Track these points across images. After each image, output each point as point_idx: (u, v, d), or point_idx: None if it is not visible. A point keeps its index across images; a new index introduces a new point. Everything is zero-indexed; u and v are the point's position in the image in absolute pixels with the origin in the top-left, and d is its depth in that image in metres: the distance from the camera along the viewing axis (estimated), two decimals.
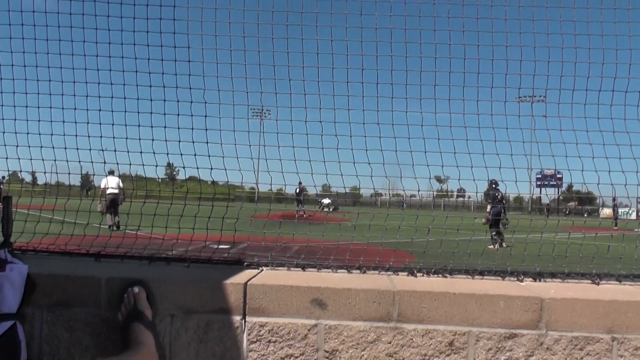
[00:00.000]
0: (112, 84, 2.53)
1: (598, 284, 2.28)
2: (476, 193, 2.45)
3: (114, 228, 13.64)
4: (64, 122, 2.48)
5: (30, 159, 2.48)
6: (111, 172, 12.05)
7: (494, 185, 12.78)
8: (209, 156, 2.33)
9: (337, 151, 2.26)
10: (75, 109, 2.51)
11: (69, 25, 2.54)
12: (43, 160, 2.48)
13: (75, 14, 2.54)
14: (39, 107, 2.50)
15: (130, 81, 2.51)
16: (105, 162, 2.43)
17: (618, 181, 2.48)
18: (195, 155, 2.34)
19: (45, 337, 2.02)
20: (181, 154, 2.34)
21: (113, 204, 14.94)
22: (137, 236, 2.50)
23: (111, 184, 14.94)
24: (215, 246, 2.45)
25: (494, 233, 12.26)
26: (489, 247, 11.48)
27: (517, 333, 1.95)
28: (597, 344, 1.95)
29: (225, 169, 2.36)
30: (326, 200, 25.56)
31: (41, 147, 2.44)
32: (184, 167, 2.36)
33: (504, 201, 13.31)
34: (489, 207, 13.42)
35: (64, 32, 2.53)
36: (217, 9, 2.44)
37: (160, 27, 2.50)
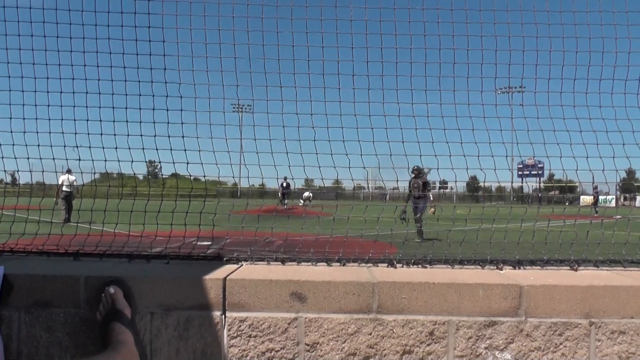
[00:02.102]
0: (86, 79, 2.48)
1: (576, 270, 2.31)
2: (455, 182, 2.45)
3: (66, 221, 14.11)
4: (37, 119, 2.43)
5: (2, 157, 2.43)
6: (68, 171, 13.62)
7: (418, 173, 11.59)
8: (184, 150, 2.31)
9: (314, 143, 2.26)
10: (48, 105, 2.46)
11: (41, 20, 2.48)
12: (16, 158, 2.43)
13: (47, 8, 2.49)
14: (10, 104, 2.45)
15: (105, 77, 2.48)
16: (80, 159, 2.39)
17: (598, 168, 2.52)
18: (171, 150, 2.32)
19: (23, 338, 1.99)
20: (157, 149, 2.32)
21: (67, 200, 15.96)
22: (116, 234, 2.47)
23: (66, 181, 15.99)
24: (197, 242, 2.43)
25: (419, 225, 11.00)
26: (417, 240, 9.83)
27: (497, 321, 1.97)
28: (575, 329, 1.97)
29: (202, 164, 2.34)
30: (306, 194, 25.61)
31: (13, 145, 2.39)
32: (159, 162, 2.33)
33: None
34: (431, 195, 12.35)
35: (36, 28, 2.48)
36: (192, 3, 2.41)
37: (135, 21, 2.46)
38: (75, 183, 16.02)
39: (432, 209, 11.87)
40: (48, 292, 2.01)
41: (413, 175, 12.04)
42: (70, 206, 15.92)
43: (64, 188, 15.87)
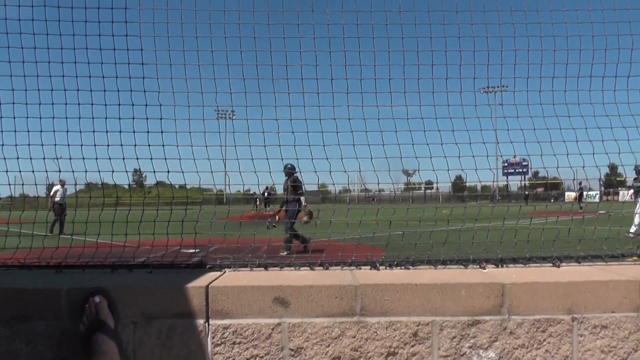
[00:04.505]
0: (65, 90, 2.47)
1: (559, 266, 2.33)
2: (437, 183, 2.46)
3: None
4: (15, 131, 2.41)
5: None
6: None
7: (289, 173, 9.17)
8: (165, 159, 2.30)
9: (295, 148, 2.26)
10: (27, 117, 2.44)
11: (18, 31, 2.47)
12: None
13: (24, 20, 2.48)
14: None
15: (84, 87, 2.47)
16: (60, 171, 2.37)
17: (582, 165, 2.54)
18: (151, 159, 2.31)
19: (4, 352, 1.96)
20: (137, 158, 2.31)
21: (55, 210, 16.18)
22: (98, 245, 2.45)
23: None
24: (181, 251, 2.42)
25: (288, 234, 8.77)
26: (282, 253, 7.60)
27: (480, 320, 1.98)
28: (558, 325, 1.98)
29: (183, 172, 2.33)
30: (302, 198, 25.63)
31: None
32: (141, 171, 2.32)
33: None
34: (303, 198, 9.50)
35: (13, 38, 2.47)
36: (169, 10, 2.41)
37: (112, 30, 2.45)
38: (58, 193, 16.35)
39: (306, 217, 9.39)
40: (29, 305, 1.99)
41: (286, 176, 9.69)
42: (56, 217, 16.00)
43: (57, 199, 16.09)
